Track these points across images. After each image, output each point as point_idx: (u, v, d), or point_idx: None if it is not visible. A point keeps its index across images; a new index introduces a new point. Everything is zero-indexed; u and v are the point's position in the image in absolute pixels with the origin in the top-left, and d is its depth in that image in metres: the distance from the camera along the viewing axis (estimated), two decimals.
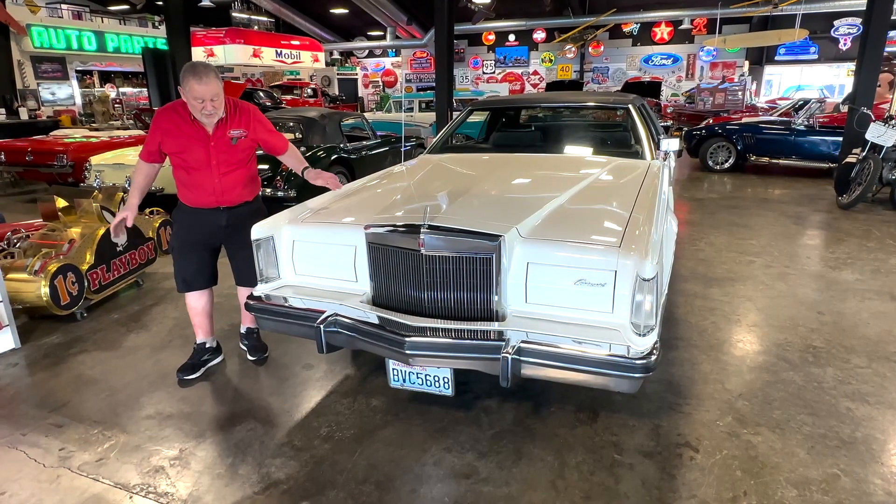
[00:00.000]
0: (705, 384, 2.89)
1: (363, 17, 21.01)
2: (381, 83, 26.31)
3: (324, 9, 21.58)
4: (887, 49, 10.43)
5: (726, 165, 9.82)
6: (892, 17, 8.24)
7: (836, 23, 18.81)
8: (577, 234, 2.28)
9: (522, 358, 2.08)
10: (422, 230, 2.21)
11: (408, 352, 2.17)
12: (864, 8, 8.51)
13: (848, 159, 7.07)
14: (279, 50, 19.40)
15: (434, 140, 4.39)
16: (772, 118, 10.19)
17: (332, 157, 6.52)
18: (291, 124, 6.94)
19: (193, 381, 2.99)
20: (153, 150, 2.79)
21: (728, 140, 9.69)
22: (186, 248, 2.92)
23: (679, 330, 3.52)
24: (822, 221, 6.42)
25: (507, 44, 23.67)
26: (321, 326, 2.32)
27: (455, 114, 9.25)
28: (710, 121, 10.99)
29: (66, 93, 16.46)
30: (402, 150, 7.14)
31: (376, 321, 2.30)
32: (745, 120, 10.35)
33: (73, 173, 7.15)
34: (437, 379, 2.36)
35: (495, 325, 2.20)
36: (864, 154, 6.80)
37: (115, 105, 15.67)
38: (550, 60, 23.48)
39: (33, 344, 3.47)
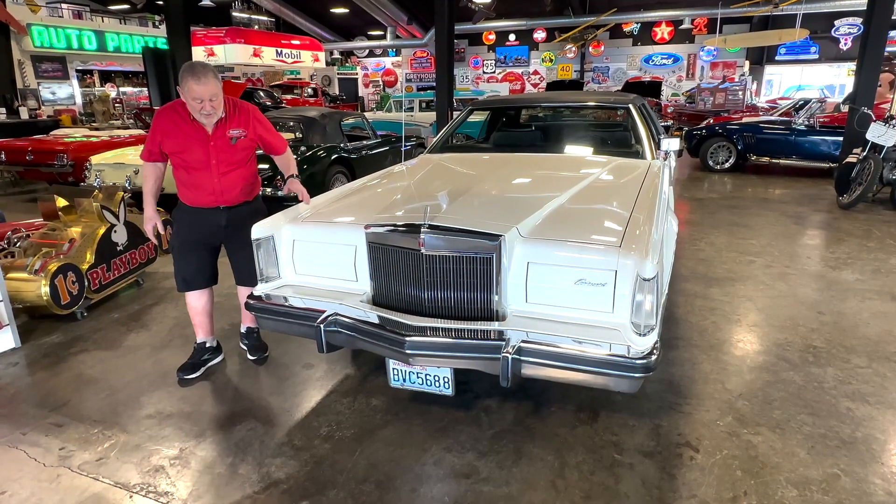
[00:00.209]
0: (705, 384, 2.89)
1: (363, 16, 21.02)
2: (381, 83, 26.32)
3: (324, 8, 21.59)
4: (888, 49, 10.42)
5: (727, 165, 9.82)
6: (893, 17, 8.23)
7: (836, 22, 18.81)
8: (578, 233, 2.28)
9: (522, 358, 2.08)
10: (422, 230, 2.21)
11: (408, 351, 2.17)
12: (865, 8, 8.50)
13: (848, 159, 7.06)
14: (279, 49, 19.40)
15: (434, 140, 4.39)
16: (772, 118, 10.18)
17: (333, 157, 6.52)
18: (292, 124, 6.93)
19: (193, 380, 2.99)
20: (154, 150, 2.79)
21: (728, 140, 9.69)
22: (186, 248, 2.92)
23: (679, 330, 3.52)
24: (823, 221, 6.42)
25: (508, 43, 23.68)
26: (321, 326, 2.32)
27: (455, 113, 9.25)
28: (711, 120, 10.99)
29: (67, 92, 16.46)
30: (403, 149, 7.14)
31: (376, 321, 2.30)
32: (745, 120, 10.35)
33: (74, 173, 7.15)
34: (437, 378, 2.36)
35: (495, 325, 2.20)
36: (864, 154, 6.80)
37: (116, 104, 15.65)
38: (551, 60, 23.49)
39: (33, 343, 3.47)
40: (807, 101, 9.93)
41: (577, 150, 4.12)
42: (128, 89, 19.48)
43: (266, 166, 5.47)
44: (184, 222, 2.92)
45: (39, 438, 2.51)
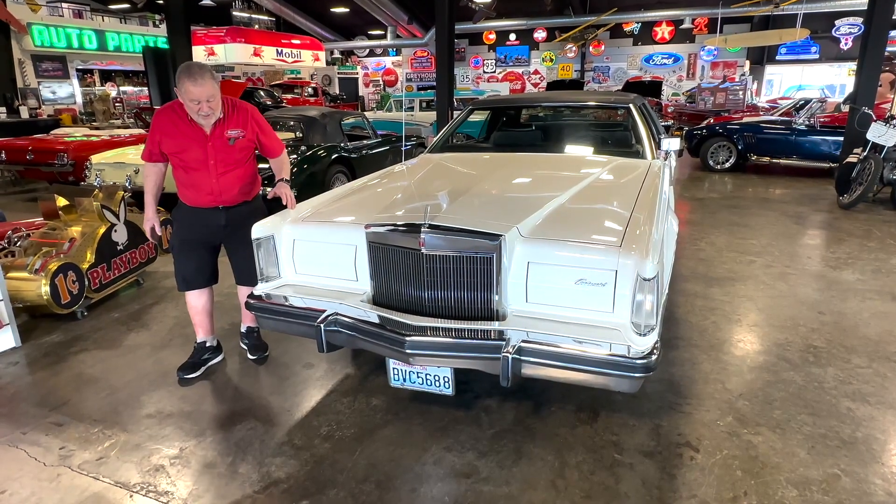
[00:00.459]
0: (706, 384, 2.89)
1: (364, 16, 21.02)
2: (381, 82, 26.31)
3: (324, 8, 21.58)
4: (888, 49, 10.42)
5: (727, 165, 9.82)
6: (894, 17, 8.23)
7: (837, 22, 18.80)
8: (578, 233, 2.28)
9: (523, 357, 2.08)
10: (422, 229, 2.21)
11: (408, 351, 2.16)
12: (866, 7, 8.50)
13: (849, 159, 7.06)
14: (280, 49, 19.40)
15: (435, 139, 4.39)
16: (773, 118, 10.18)
17: (333, 157, 6.52)
18: (292, 123, 6.93)
19: (194, 379, 2.99)
20: (154, 151, 2.79)
21: (729, 140, 9.68)
22: (186, 247, 2.92)
23: (679, 329, 3.52)
24: (823, 221, 6.42)
25: (508, 43, 23.68)
26: (321, 325, 2.32)
27: (456, 113, 9.25)
28: (711, 120, 10.99)
29: (67, 91, 16.47)
30: (403, 149, 7.13)
31: (377, 320, 2.30)
32: (745, 119, 10.34)
33: (74, 172, 7.16)
34: (437, 378, 2.36)
35: (496, 325, 2.20)
36: (864, 154, 6.79)
37: (116, 104, 15.66)
38: (551, 60, 23.48)
39: (34, 342, 3.47)
40: (807, 101, 9.93)
41: (578, 150, 4.12)
42: (128, 89, 19.48)
43: (267, 165, 5.46)
44: (183, 222, 2.92)
45: (40, 438, 2.51)
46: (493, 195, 2.82)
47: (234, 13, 20.10)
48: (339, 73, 25.04)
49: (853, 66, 14.16)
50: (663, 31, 21.32)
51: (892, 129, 6.55)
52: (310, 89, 18.65)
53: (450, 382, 2.35)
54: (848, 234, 5.75)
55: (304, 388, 2.92)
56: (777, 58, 20.56)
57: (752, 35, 18.62)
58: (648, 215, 2.43)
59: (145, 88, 14.83)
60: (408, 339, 2.16)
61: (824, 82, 19.56)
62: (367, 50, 25.91)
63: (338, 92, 23.18)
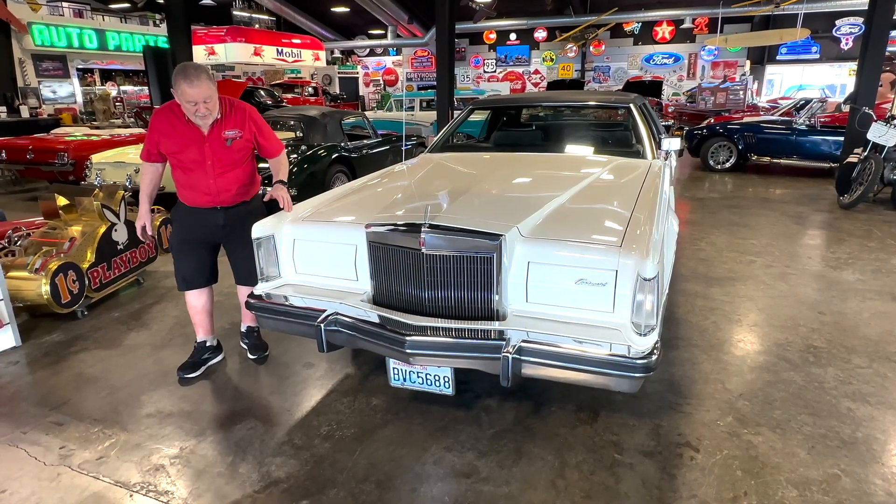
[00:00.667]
0: (706, 384, 2.89)
1: (364, 15, 21.00)
2: (381, 82, 26.30)
3: (325, 7, 21.57)
4: (889, 49, 10.42)
5: (727, 165, 9.81)
6: (895, 17, 8.22)
7: (837, 22, 18.79)
8: (578, 233, 2.28)
9: (523, 357, 2.08)
10: (423, 229, 2.21)
11: (408, 351, 2.16)
12: (866, 7, 8.49)
13: (849, 159, 7.05)
14: (280, 48, 19.41)
15: (435, 139, 4.39)
16: (773, 118, 10.17)
17: (333, 156, 6.52)
18: (292, 123, 6.93)
19: (194, 379, 2.99)
20: (152, 151, 2.79)
21: (729, 139, 9.68)
22: (185, 247, 2.92)
23: (680, 329, 3.52)
24: (824, 221, 6.42)
25: (509, 43, 23.67)
26: (322, 325, 2.32)
27: (456, 113, 9.25)
28: (712, 120, 10.98)
29: (67, 91, 16.47)
30: (403, 148, 7.13)
31: (377, 320, 2.30)
32: (746, 119, 10.33)
33: (74, 171, 7.16)
34: (437, 378, 2.36)
35: (496, 325, 2.20)
36: (865, 154, 6.79)
37: (116, 103, 15.66)
38: (551, 59, 23.47)
39: (34, 342, 3.47)
40: (808, 101, 9.92)
41: (578, 150, 4.12)
42: (128, 88, 19.48)
43: (267, 165, 5.46)
44: (182, 222, 2.92)
45: (40, 437, 2.51)
46: (493, 195, 2.82)
47: (235, 13, 20.12)
48: (339, 73, 25.02)
49: (854, 66, 14.14)
50: (664, 30, 21.31)
51: (893, 129, 6.54)
52: (310, 89, 18.63)
53: (450, 382, 2.35)
54: (848, 235, 5.75)
55: (304, 387, 2.92)
56: (777, 58, 20.55)
57: (752, 35, 18.61)
58: (649, 215, 2.43)
59: (146, 88, 14.82)
60: (408, 338, 2.16)
61: (825, 82, 19.55)
62: (368, 49, 25.90)
63: (338, 91, 23.16)
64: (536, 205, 2.55)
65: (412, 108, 12.73)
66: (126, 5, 18.22)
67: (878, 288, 4.22)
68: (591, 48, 22.44)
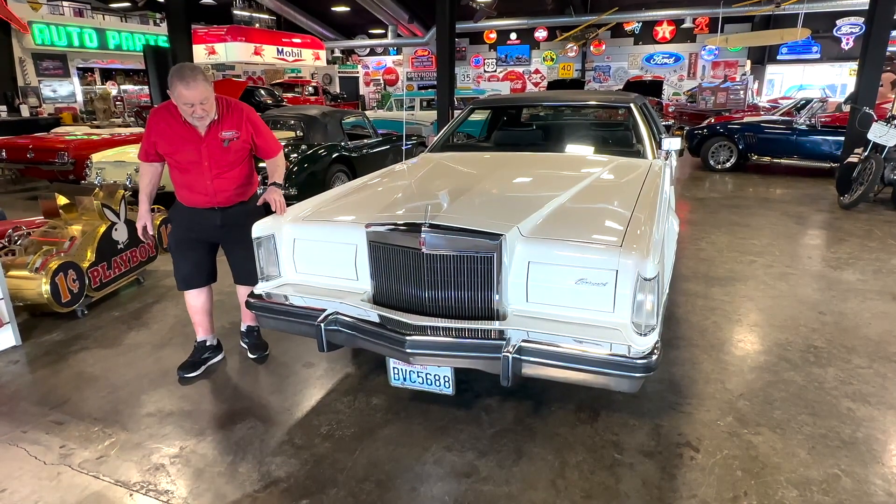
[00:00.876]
0: (706, 384, 2.89)
1: (365, 15, 20.99)
2: (382, 81, 26.30)
3: (325, 7, 21.56)
4: (890, 49, 10.39)
5: (728, 165, 9.81)
6: (895, 17, 8.22)
7: (838, 22, 18.78)
8: (579, 233, 2.28)
9: (523, 357, 2.08)
10: (423, 229, 2.21)
11: (408, 350, 2.16)
12: (867, 7, 8.49)
13: (850, 159, 7.05)
14: (280, 48, 19.40)
15: (435, 138, 4.39)
16: (774, 118, 10.17)
17: (333, 156, 6.52)
18: (293, 122, 6.93)
19: (194, 379, 2.99)
20: (149, 151, 2.79)
21: (730, 139, 9.67)
22: (183, 247, 2.92)
23: (680, 329, 3.52)
24: (824, 221, 6.41)
25: (509, 42, 23.66)
26: (322, 325, 2.32)
27: (456, 112, 9.24)
28: (712, 120, 10.98)
29: (68, 90, 16.48)
30: (404, 148, 7.13)
31: (377, 320, 2.30)
32: (746, 119, 10.33)
33: (75, 171, 7.16)
34: (437, 378, 2.36)
35: (496, 325, 2.20)
36: (865, 154, 6.78)
37: (117, 102, 15.67)
38: (552, 59, 23.47)
39: (34, 341, 3.47)
40: (808, 101, 9.91)
41: (578, 150, 4.11)
42: (129, 87, 19.47)
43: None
44: (180, 222, 2.92)
45: (40, 436, 2.51)
46: (493, 195, 2.81)
47: (235, 12, 20.11)
48: (339, 72, 25.04)
49: (854, 65, 14.13)
50: (664, 30, 21.30)
51: (893, 129, 6.53)
52: (310, 88, 18.63)
53: (450, 382, 2.35)
54: (849, 235, 5.75)
55: (304, 387, 2.92)
56: (778, 57, 20.55)
57: (753, 35, 18.60)
58: (649, 215, 2.43)
59: (146, 87, 14.82)
60: (408, 338, 2.16)
61: (825, 82, 19.55)
62: (368, 49, 25.89)
63: (338, 91, 23.17)
64: (537, 204, 2.55)
65: (412, 108, 12.73)
66: (126, 4, 18.22)
67: (878, 288, 4.22)
68: (591, 48, 22.43)
